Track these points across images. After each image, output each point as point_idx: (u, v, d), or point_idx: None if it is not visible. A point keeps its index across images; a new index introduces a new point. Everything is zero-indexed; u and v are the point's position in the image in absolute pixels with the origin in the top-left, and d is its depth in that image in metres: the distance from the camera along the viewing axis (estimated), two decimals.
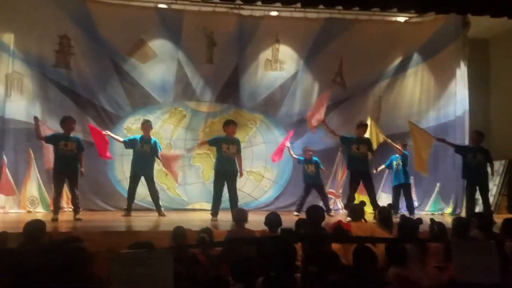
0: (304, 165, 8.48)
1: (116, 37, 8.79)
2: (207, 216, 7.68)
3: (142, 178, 7.79)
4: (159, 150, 7.91)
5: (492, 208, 8.42)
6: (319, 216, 4.89)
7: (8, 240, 4.39)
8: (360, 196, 8.28)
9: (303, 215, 5.98)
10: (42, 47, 8.56)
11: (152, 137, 7.91)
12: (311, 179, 8.45)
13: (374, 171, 8.31)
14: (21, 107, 8.45)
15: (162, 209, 7.78)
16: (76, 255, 3.42)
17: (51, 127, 7.83)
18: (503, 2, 6.72)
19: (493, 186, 9.14)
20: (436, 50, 9.47)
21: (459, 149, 8.02)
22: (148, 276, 2.65)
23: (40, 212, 8.11)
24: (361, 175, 7.92)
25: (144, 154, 7.71)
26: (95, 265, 3.54)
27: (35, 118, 7.34)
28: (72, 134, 7.24)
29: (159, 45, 9.08)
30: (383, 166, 8.52)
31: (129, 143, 7.80)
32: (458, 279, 3.03)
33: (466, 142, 8.99)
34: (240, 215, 5.25)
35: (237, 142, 7.70)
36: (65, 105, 8.49)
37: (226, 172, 7.53)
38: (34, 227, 4.38)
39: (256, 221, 5.36)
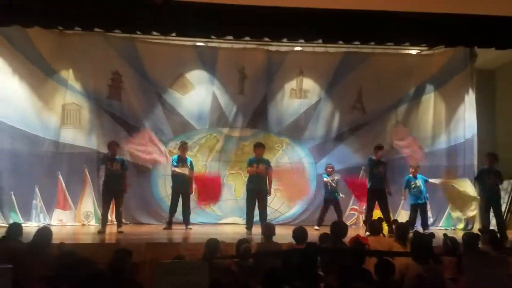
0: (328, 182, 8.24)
1: (159, 72, 9.00)
2: (239, 229, 7.66)
3: None
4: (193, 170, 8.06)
5: None
6: (341, 231, 4.82)
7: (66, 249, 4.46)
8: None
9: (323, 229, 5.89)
10: (97, 82, 8.82)
11: (187, 157, 8.04)
12: (332, 195, 8.26)
13: (403, 198, 8.30)
14: (80, 134, 8.68)
15: (190, 226, 7.84)
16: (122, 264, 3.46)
17: (104, 151, 8.03)
18: (507, 35, 6.59)
19: (502, 203, 8.80)
20: (446, 79, 9.28)
21: (478, 176, 7.76)
22: (187, 284, 2.67)
23: (93, 225, 8.25)
24: (378, 193, 7.75)
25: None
26: (139, 273, 3.58)
27: None
28: (118, 156, 7.39)
29: (196, 78, 9.22)
30: (404, 190, 8.19)
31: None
32: None
33: (475, 163, 8.75)
34: (268, 229, 5.21)
35: (266, 162, 7.73)
36: (117, 132, 8.70)
37: (257, 190, 7.55)
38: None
39: (283, 235, 5.31)
